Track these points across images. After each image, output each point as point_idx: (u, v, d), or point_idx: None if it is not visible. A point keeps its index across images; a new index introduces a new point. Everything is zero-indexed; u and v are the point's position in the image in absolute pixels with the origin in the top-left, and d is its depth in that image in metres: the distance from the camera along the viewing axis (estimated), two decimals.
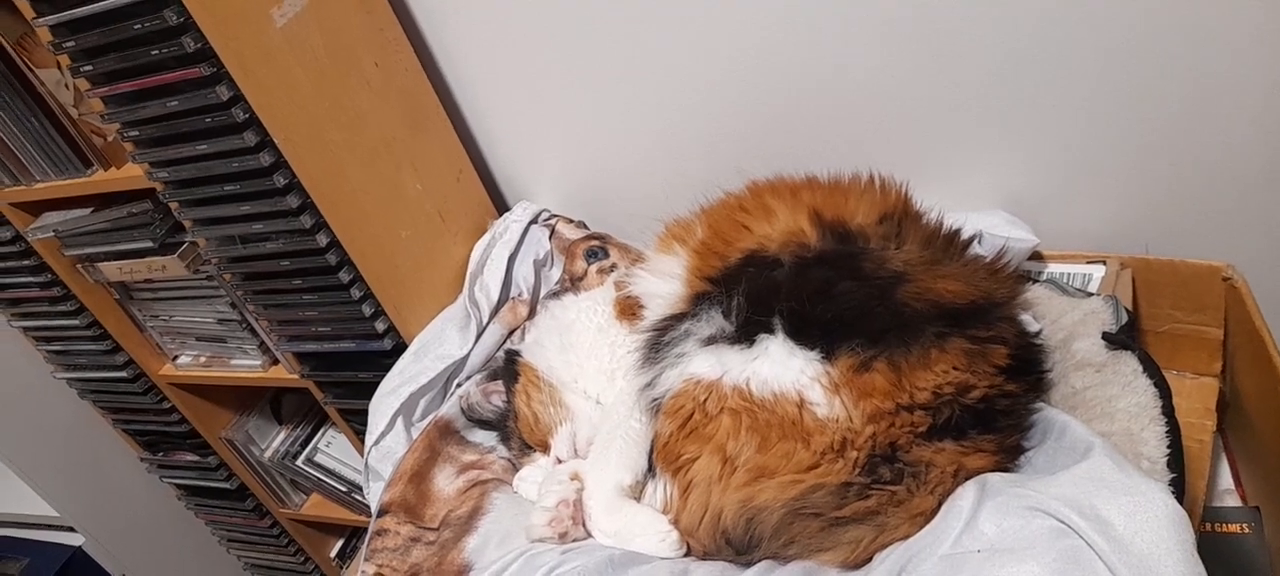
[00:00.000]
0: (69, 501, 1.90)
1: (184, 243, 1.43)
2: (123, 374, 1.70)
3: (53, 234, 1.50)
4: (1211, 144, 1.08)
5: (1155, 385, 0.92)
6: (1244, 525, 0.99)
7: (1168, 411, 0.89)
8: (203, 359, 1.70)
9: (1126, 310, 1.05)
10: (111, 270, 1.54)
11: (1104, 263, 1.16)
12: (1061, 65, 1.09)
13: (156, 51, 1.09)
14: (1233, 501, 1.07)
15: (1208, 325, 1.13)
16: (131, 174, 1.33)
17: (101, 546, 1.97)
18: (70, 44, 1.13)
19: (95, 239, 1.48)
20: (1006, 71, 1.13)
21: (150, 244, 1.43)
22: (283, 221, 1.22)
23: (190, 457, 1.89)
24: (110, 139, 1.37)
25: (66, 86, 1.34)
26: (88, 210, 1.47)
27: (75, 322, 1.64)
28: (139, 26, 1.07)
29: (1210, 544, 0.96)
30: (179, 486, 2.02)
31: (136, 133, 1.20)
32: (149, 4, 1.06)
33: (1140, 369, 0.94)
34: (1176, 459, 0.85)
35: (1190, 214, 1.15)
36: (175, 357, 1.72)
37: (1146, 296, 1.15)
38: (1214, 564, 0.71)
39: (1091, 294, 1.10)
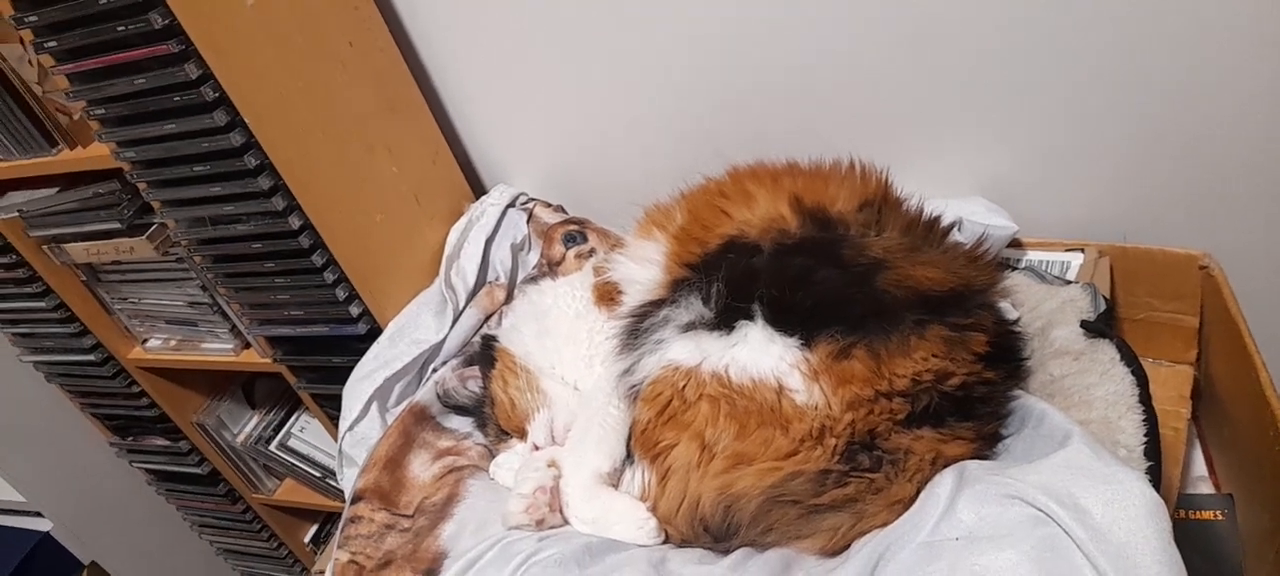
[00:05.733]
0: (36, 486, 1.86)
1: (153, 224, 1.40)
2: (91, 357, 1.67)
3: (17, 214, 1.46)
4: (1190, 133, 1.09)
5: (1133, 373, 0.92)
6: (1218, 512, 0.99)
7: (1145, 399, 0.90)
8: (173, 342, 1.67)
9: (1104, 298, 1.05)
10: (78, 251, 1.50)
11: (1082, 250, 1.16)
12: (1044, 53, 1.09)
13: (123, 27, 1.06)
14: (1206, 488, 1.08)
15: (1184, 313, 1.13)
16: (98, 153, 1.29)
17: (70, 532, 1.94)
18: (32, 19, 1.10)
19: (61, 219, 1.45)
20: (989, 59, 1.12)
21: (118, 225, 1.40)
22: (254, 203, 1.20)
23: (161, 442, 1.86)
24: (76, 117, 1.34)
25: (30, 62, 1.30)
26: (54, 190, 1.43)
27: (41, 305, 1.60)
28: (104, 1, 1.04)
29: (1185, 531, 0.96)
30: (149, 471, 1.99)
31: (103, 111, 1.17)
32: None
33: (1118, 357, 0.95)
34: (1153, 447, 0.86)
35: (1168, 203, 1.15)
36: (145, 341, 1.69)
37: (1124, 284, 1.16)
38: (1188, 551, 0.71)
39: (1070, 282, 1.11)
